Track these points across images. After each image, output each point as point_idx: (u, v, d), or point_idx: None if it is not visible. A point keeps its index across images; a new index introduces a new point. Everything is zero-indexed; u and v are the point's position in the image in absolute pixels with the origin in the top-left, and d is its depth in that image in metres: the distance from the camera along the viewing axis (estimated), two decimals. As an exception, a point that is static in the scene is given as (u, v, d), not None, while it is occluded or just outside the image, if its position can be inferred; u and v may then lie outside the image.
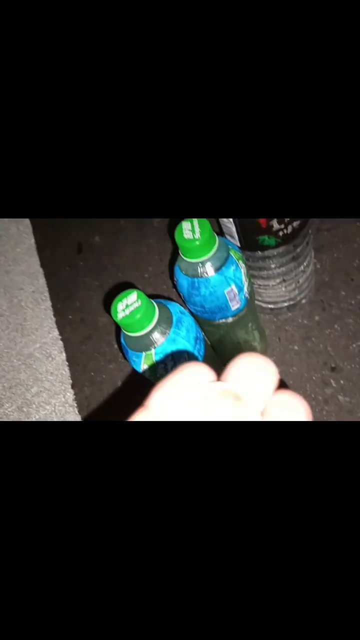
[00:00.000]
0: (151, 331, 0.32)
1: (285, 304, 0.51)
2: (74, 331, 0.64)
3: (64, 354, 0.63)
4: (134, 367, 0.35)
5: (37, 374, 0.62)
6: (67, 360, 0.62)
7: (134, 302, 0.31)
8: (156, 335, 0.32)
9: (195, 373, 0.17)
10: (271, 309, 0.52)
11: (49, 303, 0.68)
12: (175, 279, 0.38)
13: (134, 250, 0.68)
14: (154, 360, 0.33)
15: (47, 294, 0.69)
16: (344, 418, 0.47)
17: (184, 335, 0.34)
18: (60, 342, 0.64)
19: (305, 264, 0.46)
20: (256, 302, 0.50)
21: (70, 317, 0.65)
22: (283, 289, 0.47)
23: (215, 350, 0.48)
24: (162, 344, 0.33)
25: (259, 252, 0.40)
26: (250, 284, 0.39)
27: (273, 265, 0.42)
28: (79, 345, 0.62)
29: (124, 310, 0.31)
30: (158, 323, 0.32)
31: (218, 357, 0.49)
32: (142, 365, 0.34)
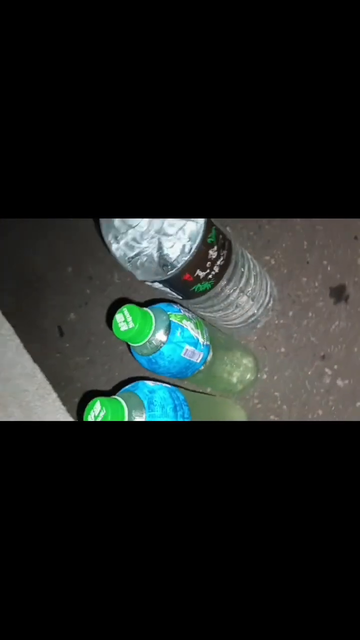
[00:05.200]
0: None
1: (255, 316, 0.52)
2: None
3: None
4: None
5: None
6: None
7: (100, 411, 0.33)
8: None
9: None
10: (245, 325, 0.53)
11: (54, 395, 0.71)
12: (134, 357, 0.39)
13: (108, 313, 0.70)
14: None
15: (49, 386, 0.72)
16: (348, 401, 0.47)
17: (159, 414, 0.35)
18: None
19: (252, 280, 0.47)
20: (228, 326, 0.52)
21: (75, 400, 0.68)
22: (247, 308, 0.49)
23: (215, 380, 0.50)
24: (143, 431, 0.34)
25: (201, 297, 0.41)
26: (205, 331, 0.40)
27: (221, 299, 0.44)
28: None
29: (95, 417, 0.33)
30: (131, 415, 0.34)
31: (217, 384, 0.51)
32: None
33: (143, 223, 0.33)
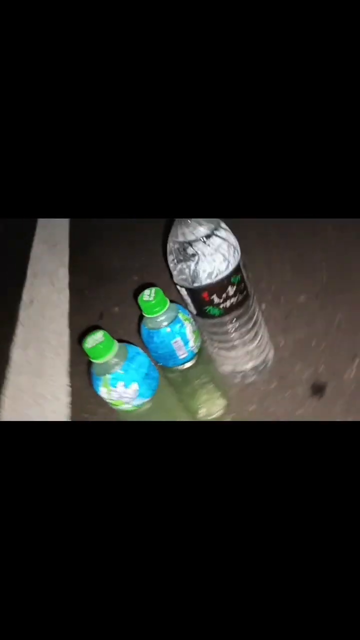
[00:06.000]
0: (109, 361, 0.45)
1: (246, 370, 0.61)
2: (81, 380, 0.77)
3: (69, 398, 0.76)
4: (96, 390, 0.47)
5: (44, 412, 0.75)
6: (70, 403, 0.74)
7: (99, 338, 0.45)
8: (112, 365, 0.45)
9: None
10: (236, 372, 0.62)
11: (67, 357, 0.83)
12: (140, 331, 0.51)
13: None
14: (109, 385, 0.45)
15: (67, 349, 0.85)
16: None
17: (135, 368, 0.46)
18: (68, 388, 0.77)
19: (254, 336, 0.57)
20: (225, 364, 0.62)
21: (80, 368, 0.79)
22: (240, 355, 0.59)
23: (185, 391, 0.59)
24: (115, 372, 0.45)
25: (209, 319, 0.53)
26: (199, 341, 0.51)
27: (224, 332, 0.55)
28: (80, 391, 0.75)
29: (92, 343, 0.45)
30: (115, 356, 0.45)
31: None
32: (101, 389, 0.46)
33: (198, 247, 0.47)
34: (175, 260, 0.49)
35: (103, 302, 0.92)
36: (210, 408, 0.60)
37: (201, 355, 0.53)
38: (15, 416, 0.75)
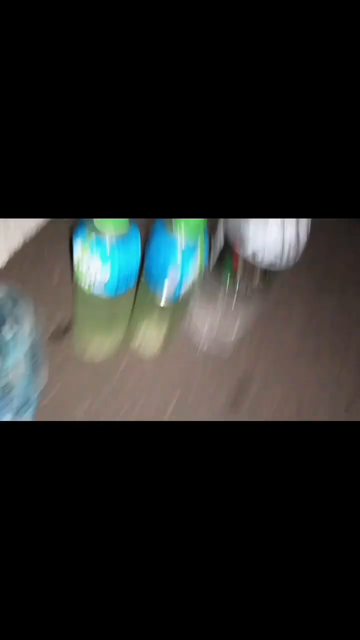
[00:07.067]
0: (117, 231, 0.38)
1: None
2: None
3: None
4: (74, 240, 0.41)
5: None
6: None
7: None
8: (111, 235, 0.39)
9: None
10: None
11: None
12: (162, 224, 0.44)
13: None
14: (89, 248, 0.39)
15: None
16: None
17: (121, 257, 0.40)
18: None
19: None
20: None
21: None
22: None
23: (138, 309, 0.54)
24: (105, 241, 0.39)
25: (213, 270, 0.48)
26: (195, 283, 0.46)
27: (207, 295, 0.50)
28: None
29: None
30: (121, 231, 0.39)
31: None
32: (79, 245, 0.40)
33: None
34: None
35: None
36: (146, 335, 0.56)
37: (177, 309, 0.49)
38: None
